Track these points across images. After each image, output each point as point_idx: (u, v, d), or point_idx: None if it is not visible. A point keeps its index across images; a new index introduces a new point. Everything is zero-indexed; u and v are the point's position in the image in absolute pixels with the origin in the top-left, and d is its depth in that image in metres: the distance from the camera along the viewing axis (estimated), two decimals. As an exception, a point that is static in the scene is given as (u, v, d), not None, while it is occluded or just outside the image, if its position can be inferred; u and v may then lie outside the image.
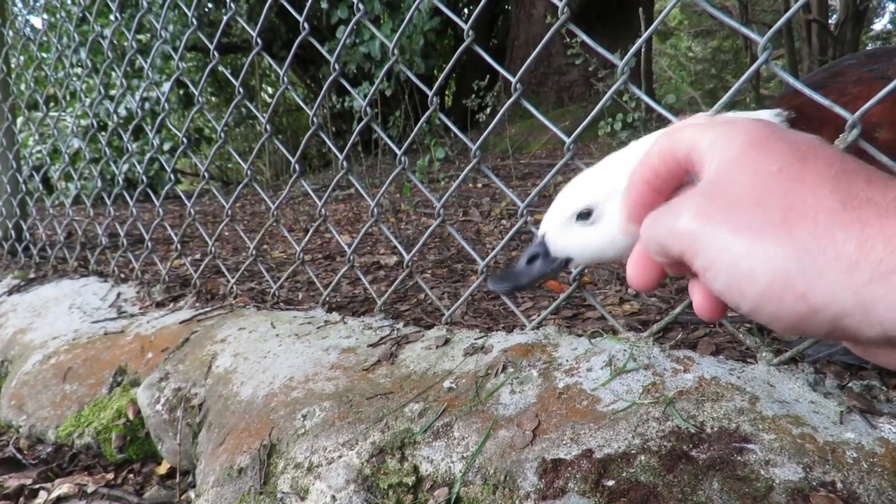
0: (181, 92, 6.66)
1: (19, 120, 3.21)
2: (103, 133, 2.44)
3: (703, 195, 0.41)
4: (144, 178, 2.14)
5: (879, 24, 15.76)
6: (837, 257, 0.34)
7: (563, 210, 0.60)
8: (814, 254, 0.35)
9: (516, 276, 0.64)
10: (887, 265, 0.32)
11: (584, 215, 0.58)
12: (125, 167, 2.35)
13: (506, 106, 1.18)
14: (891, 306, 0.32)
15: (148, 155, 2.28)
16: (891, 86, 0.75)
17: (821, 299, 0.35)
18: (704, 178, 0.43)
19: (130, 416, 1.47)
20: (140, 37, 5.91)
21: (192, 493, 1.27)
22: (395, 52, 1.33)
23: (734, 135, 0.42)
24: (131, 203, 2.23)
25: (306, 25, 1.47)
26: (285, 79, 1.63)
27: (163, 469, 1.42)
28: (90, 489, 1.36)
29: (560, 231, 0.61)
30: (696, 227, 0.40)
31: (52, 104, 4.48)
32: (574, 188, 0.61)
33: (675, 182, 0.48)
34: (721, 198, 0.40)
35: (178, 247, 2.09)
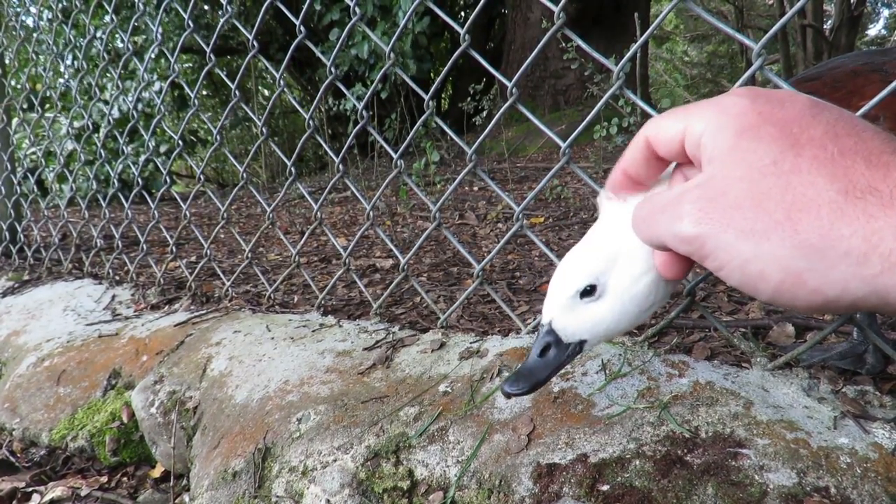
0: (176, 93, 6.64)
1: (14, 121, 3.20)
2: (97, 135, 2.44)
3: (702, 197, 0.41)
4: (140, 179, 2.13)
5: (874, 30, 15.89)
6: (847, 252, 0.35)
7: (565, 291, 0.56)
8: (822, 250, 0.35)
9: (533, 373, 0.58)
10: None
11: (588, 292, 0.55)
12: (120, 168, 2.34)
13: (502, 110, 1.18)
14: None
15: (143, 157, 2.27)
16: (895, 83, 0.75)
17: (834, 292, 0.36)
18: (701, 172, 0.43)
19: (125, 419, 1.46)
20: (136, 38, 5.89)
21: (186, 497, 1.27)
22: (391, 55, 1.33)
23: (724, 121, 0.41)
24: (126, 205, 2.22)
25: (303, 28, 1.47)
26: (282, 81, 1.63)
27: (157, 472, 1.42)
28: (84, 492, 1.36)
29: (566, 314, 0.57)
30: (701, 231, 0.40)
31: (47, 105, 4.46)
32: (569, 267, 0.57)
33: (654, 176, 0.51)
34: (721, 198, 0.39)
35: (174, 249, 2.08)
